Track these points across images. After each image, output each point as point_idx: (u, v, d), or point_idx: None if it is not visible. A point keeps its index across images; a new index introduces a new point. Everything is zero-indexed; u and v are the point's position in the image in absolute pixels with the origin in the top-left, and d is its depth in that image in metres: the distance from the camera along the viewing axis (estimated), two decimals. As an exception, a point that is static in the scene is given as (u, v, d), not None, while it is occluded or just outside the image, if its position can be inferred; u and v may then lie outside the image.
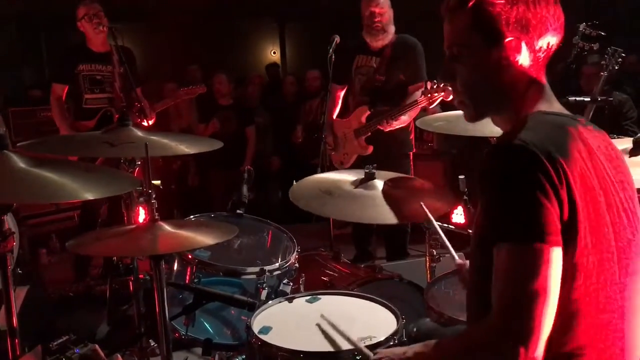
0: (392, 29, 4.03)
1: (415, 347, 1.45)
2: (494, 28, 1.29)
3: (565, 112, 1.35)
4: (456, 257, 1.97)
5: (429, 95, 3.61)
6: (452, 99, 4.13)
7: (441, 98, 3.63)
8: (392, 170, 2.72)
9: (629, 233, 1.28)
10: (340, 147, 4.20)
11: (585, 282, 1.21)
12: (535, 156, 1.16)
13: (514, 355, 1.12)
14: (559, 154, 1.18)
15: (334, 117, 4.26)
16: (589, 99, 3.88)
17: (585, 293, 1.21)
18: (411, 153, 4.20)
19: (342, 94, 4.31)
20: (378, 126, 3.90)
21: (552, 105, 1.35)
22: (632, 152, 2.35)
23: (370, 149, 4.03)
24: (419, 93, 3.78)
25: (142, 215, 2.31)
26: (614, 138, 2.14)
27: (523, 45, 1.29)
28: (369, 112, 4.02)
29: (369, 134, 4.00)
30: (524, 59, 1.31)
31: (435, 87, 3.60)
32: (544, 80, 1.36)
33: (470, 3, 1.30)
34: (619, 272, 1.25)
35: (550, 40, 1.32)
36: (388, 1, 4.00)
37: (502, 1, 1.27)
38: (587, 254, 1.20)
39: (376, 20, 3.95)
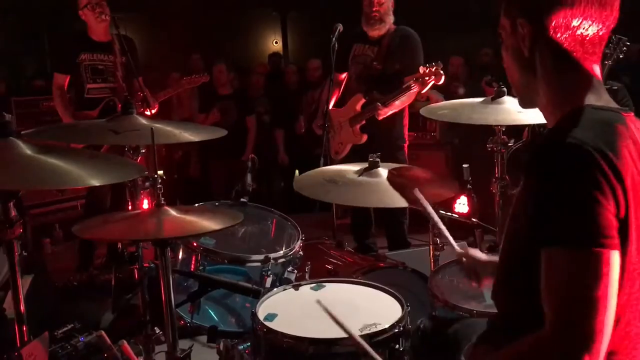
0: (390, 19, 4.03)
1: None
2: (514, 13, 1.31)
3: (613, 105, 1.30)
4: (456, 246, 1.87)
5: (421, 80, 3.62)
6: (444, 82, 4.11)
7: (433, 82, 3.64)
8: (387, 162, 2.72)
9: None
10: (336, 136, 4.21)
11: (627, 288, 1.16)
12: (592, 155, 1.11)
13: None
14: (612, 154, 1.13)
15: (331, 106, 4.25)
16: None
17: (627, 300, 1.17)
18: (405, 145, 4.19)
19: (342, 81, 4.31)
20: (373, 113, 3.90)
21: (600, 97, 1.29)
22: None
23: (365, 137, 4.03)
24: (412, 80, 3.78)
25: (146, 204, 2.31)
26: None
27: (538, 29, 1.27)
28: (364, 100, 4.01)
29: (364, 122, 4.00)
30: (547, 43, 1.27)
31: (427, 71, 3.61)
32: (588, 68, 1.29)
33: None
34: None
35: (574, 22, 1.24)
36: None
37: None
38: (632, 260, 1.15)
39: (374, 9, 3.95)
